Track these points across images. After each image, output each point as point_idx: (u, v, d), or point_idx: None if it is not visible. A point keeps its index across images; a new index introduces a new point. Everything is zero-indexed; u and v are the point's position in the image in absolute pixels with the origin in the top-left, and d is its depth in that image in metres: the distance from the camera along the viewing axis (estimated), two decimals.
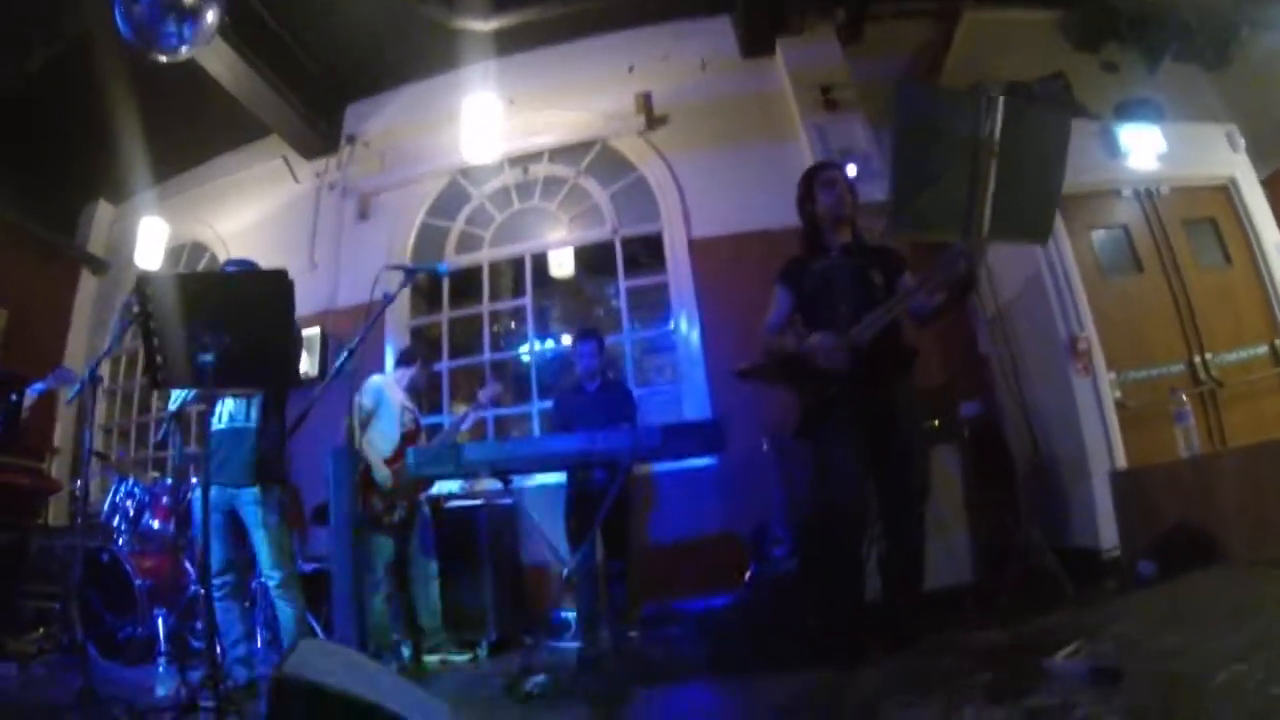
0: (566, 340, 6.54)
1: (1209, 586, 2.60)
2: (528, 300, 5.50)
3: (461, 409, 4.69)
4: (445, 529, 4.02)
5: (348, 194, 5.85)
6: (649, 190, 5.32)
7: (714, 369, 4.71)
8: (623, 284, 5.31)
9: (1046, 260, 4.00)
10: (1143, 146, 4.34)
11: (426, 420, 4.36)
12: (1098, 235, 4.33)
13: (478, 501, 4.21)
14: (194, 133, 6.02)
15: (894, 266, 2.70)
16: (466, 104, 5.24)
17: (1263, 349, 4.22)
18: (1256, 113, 4.78)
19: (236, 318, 2.41)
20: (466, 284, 5.68)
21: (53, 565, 4.42)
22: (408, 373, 4.07)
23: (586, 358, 3.86)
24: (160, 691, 3.09)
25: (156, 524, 4.19)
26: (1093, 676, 1.66)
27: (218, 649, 2.80)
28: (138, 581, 3.84)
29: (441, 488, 4.27)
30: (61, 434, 6.10)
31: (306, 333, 5.08)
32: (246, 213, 6.21)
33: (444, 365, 5.41)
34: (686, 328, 4.96)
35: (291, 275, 2.46)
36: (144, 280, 2.48)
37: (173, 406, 3.26)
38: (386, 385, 3.94)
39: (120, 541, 4.07)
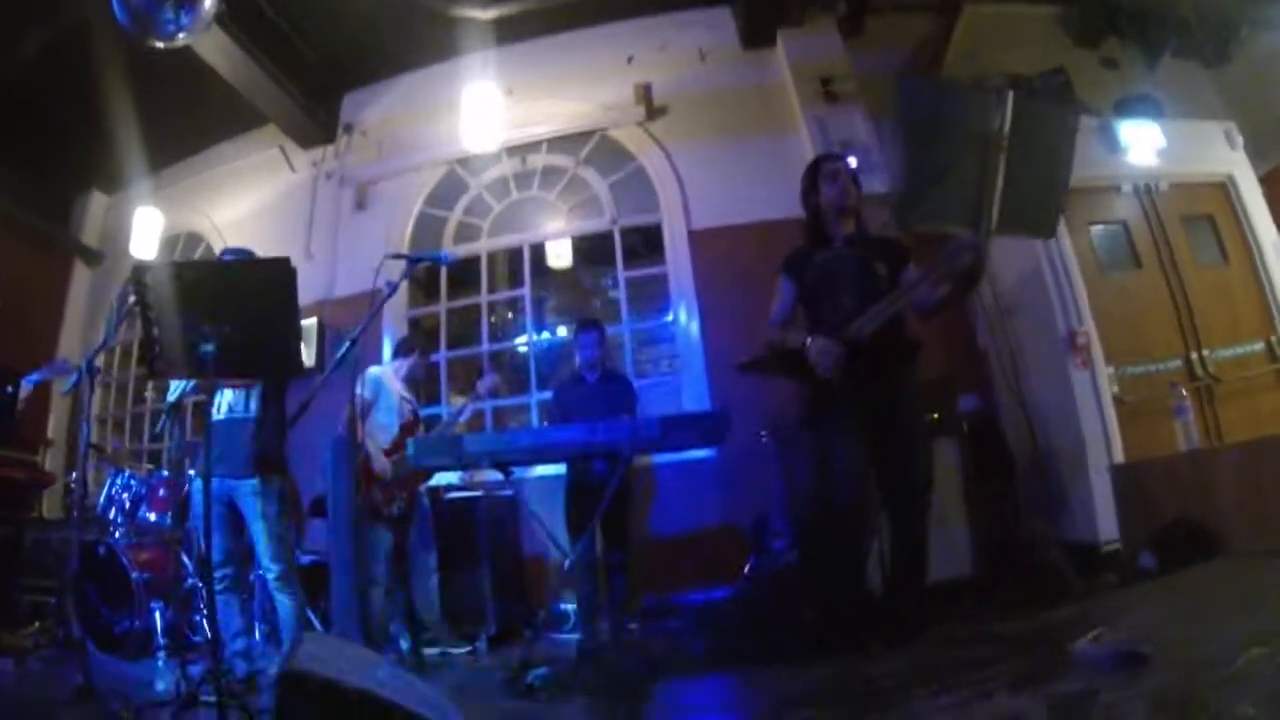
0: (563, 331, 6.53)
1: (1214, 577, 2.63)
2: (526, 291, 5.47)
3: (459, 401, 4.66)
4: (444, 521, 4.01)
5: (345, 183, 5.80)
6: (648, 181, 5.30)
7: (713, 360, 4.71)
8: (621, 275, 5.28)
9: (1046, 255, 4.02)
10: (1142, 143, 4.36)
11: (424, 412, 4.34)
12: (1097, 231, 4.35)
13: (477, 493, 4.20)
14: (189, 122, 5.96)
15: (898, 258, 2.69)
16: (466, 93, 5.21)
17: (1259, 345, 4.26)
18: (1255, 111, 4.80)
19: (237, 307, 2.37)
20: (464, 274, 5.64)
21: (48, 558, 4.40)
22: (406, 363, 4.04)
23: (588, 348, 3.83)
24: (160, 686, 3.06)
25: (153, 516, 4.15)
26: (1118, 660, 1.67)
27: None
28: (135, 575, 3.81)
29: (440, 479, 4.25)
30: (55, 426, 6.06)
31: (304, 323, 5.04)
32: (242, 202, 6.16)
33: (442, 356, 5.38)
34: (686, 319, 4.95)
35: None
36: (142, 269, 2.45)
37: (171, 397, 3.23)
38: (385, 376, 3.91)
39: (117, 534, 4.03)
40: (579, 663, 3.27)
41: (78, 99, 5.23)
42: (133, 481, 4.21)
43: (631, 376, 4.57)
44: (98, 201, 6.79)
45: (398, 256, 2.86)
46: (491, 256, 5.66)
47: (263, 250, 3.31)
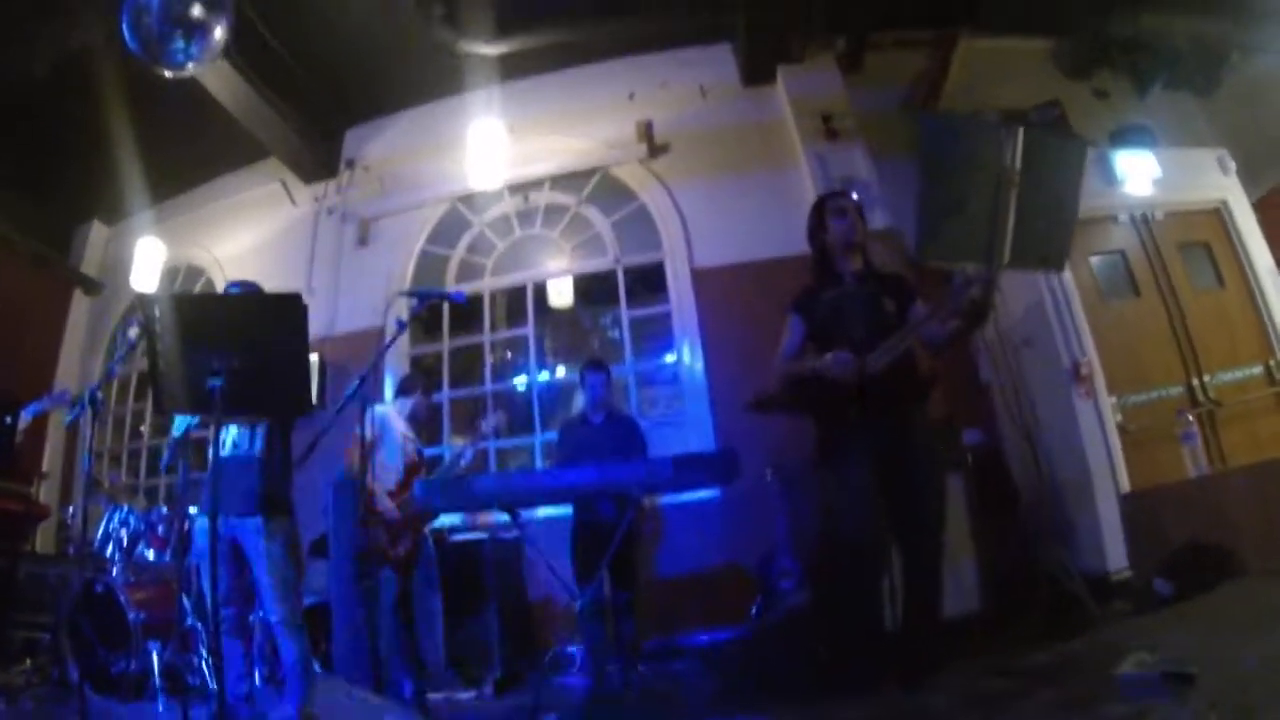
0: (562, 371, 6.51)
1: (1234, 598, 2.62)
2: (530, 330, 5.44)
3: (460, 442, 4.62)
4: (449, 563, 3.95)
5: (347, 219, 5.82)
6: (650, 219, 5.32)
7: (718, 399, 4.69)
8: (625, 314, 5.24)
9: (1047, 286, 4.05)
10: (1138, 173, 4.43)
11: (426, 452, 4.30)
12: (1096, 261, 4.40)
13: (482, 535, 4.16)
14: (191, 153, 5.99)
15: (906, 294, 2.71)
16: (471, 129, 5.25)
17: (1258, 369, 4.29)
18: (1246, 136, 4.89)
19: (246, 342, 2.35)
20: (464, 312, 5.60)
21: (43, 594, 4.31)
22: (409, 403, 4.01)
23: (596, 388, 3.83)
24: None
25: (152, 554, 4.09)
26: (1165, 681, 1.65)
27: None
28: (132, 614, 3.73)
29: (444, 521, 4.21)
30: (51, 457, 6.00)
31: None
32: (244, 236, 6.17)
33: (444, 395, 5.34)
34: (690, 358, 4.92)
35: None
36: (150, 301, 2.43)
37: (176, 433, 3.18)
38: (389, 415, 3.89)
39: (114, 572, 3.96)
40: (588, 706, 3.21)
41: (81, 127, 5.25)
42: (131, 517, 4.15)
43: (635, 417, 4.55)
44: (98, 232, 6.80)
45: (411, 294, 2.85)
46: (493, 295, 5.66)
47: (263, 285, 3.29)
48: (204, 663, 3.58)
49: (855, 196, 3.10)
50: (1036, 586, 3.27)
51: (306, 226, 5.96)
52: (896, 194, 4.66)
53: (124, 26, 3.68)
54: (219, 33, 3.85)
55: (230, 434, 2.98)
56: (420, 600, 3.75)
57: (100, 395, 3.81)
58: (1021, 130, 1.98)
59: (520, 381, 6.04)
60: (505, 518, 2.85)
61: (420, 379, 4.29)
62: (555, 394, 6.09)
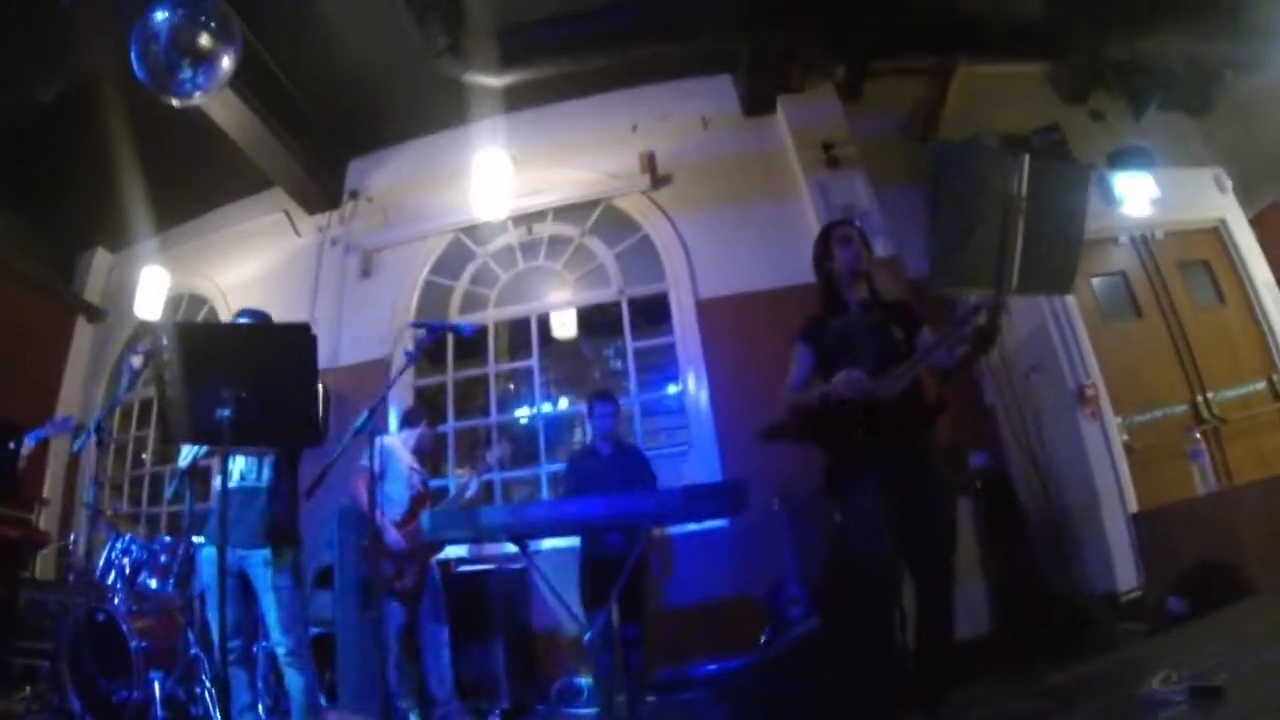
0: (565, 403, 6.51)
1: (1249, 614, 2.60)
2: (534, 362, 5.42)
3: (463, 473, 4.61)
4: (456, 594, 3.93)
5: (350, 250, 5.83)
6: (654, 250, 5.34)
7: (724, 429, 4.68)
8: (630, 345, 5.23)
9: (1050, 309, 4.07)
10: (1137, 194, 4.47)
11: (431, 484, 4.28)
12: (1098, 282, 4.43)
13: (488, 566, 4.15)
14: (196, 182, 6.04)
15: (912, 321, 2.72)
16: (476, 160, 5.28)
17: (1261, 384, 4.30)
18: (1241, 153, 4.95)
19: (256, 371, 2.35)
20: (467, 344, 5.50)
21: (43, 621, 4.27)
22: (414, 434, 4.03)
23: (604, 418, 3.83)
24: None
25: (154, 583, 4.06)
26: (1195, 696, 1.64)
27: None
28: (134, 643, 3.69)
29: (450, 552, 4.19)
30: (52, 484, 5.97)
31: None
32: (247, 266, 6.18)
33: (449, 427, 5.32)
34: (695, 388, 4.91)
35: None
36: (160, 329, 2.43)
37: (183, 463, 3.17)
38: (394, 446, 3.89)
39: (116, 600, 3.93)
40: None
41: (85, 154, 5.28)
42: (133, 546, 4.12)
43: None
44: (101, 259, 6.82)
45: (420, 325, 2.85)
46: (496, 326, 5.66)
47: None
48: (207, 693, 3.54)
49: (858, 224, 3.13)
50: (1049, 608, 3.24)
51: (310, 257, 5.97)
52: (897, 221, 4.72)
53: (132, 55, 3.71)
54: (226, 62, 3.88)
55: (238, 465, 2.98)
56: (427, 631, 3.72)
57: (105, 424, 3.83)
58: (1027, 157, 2.00)
59: (523, 413, 6.03)
60: (511, 548, 2.84)
61: (425, 411, 4.30)
62: (558, 425, 6.07)
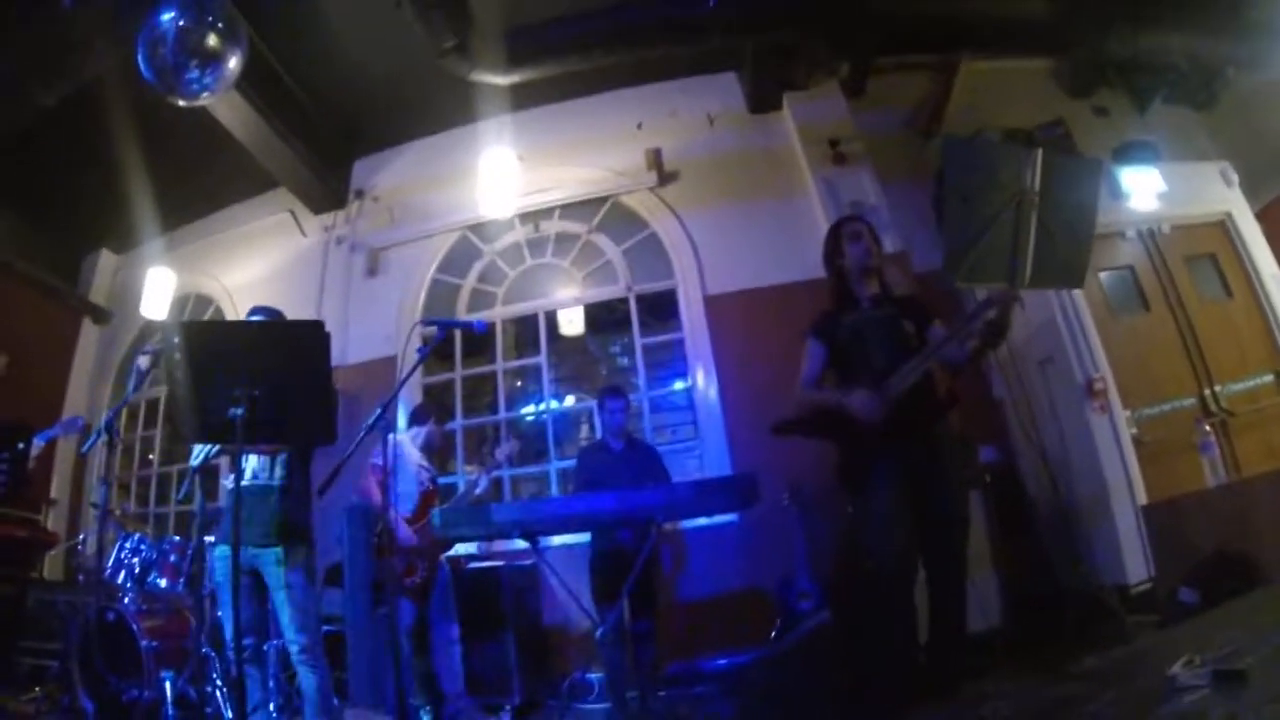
0: (570, 400, 6.52)
1: (1265, 603, 2.59)
2: (543, 359, 5.43)
3: (472, 471, 4.62)
4: (467, 590, 3.94)
5: (356, 249, 5.84)
6: (661, 246, 5.34)
7: (733, 424, 4.68)
8: (639, 341, 5.24)
9: (1059, 303, 4.07)
10: (1143, 188, 4.46)
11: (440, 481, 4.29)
12: (1105, 276, 4.42)
13: (498, 562, 4.16)
14: (200, 183, 6.03)
15: (923, 315, 2.73)
16: (484, 158, 5.28)
17: (1268, 377, 4.31)
18: (1246, 148, 4.93)
19: (268, 370, 2.34)
20: (473, 341, 5.59)
21: (53, 621, 4.29)
22: (422, 431, 4.04)
23: (615, 413, 3.84)
24: None
25: (164, 582, 4.07)
26: (1218, 680, 1.65)
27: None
28: (145, 642, 3.71)
29: (459, 549, 4.20)
30: (59, 485, 5.97)
31: None
32: (253, 266, 6.18)
33: (458, 424, 5.33)
34: (704, 384, 4.92)
35: None
36: (171, 328, 2.43)
37: (195, 461, 3.18)
38: (403, 444, 3.90)
39: (126, 600, 3.94)
40: None
41: (90, 155, 5.29)
42: (143, 546, 4.13)
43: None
44: (107, 260, 6.82)
45: (432, 322, 2.86)
46: (504, 324, 5.65)
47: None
48: (218, 691, 3.55)
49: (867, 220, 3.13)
50: (1061, 600, 3.25)
51: (316, 256, 5.97)
52: (904, 217, 4.72)
53: (139, 57, 3.72)
54: (233, 63, 3.89)
55: (250, 463, 2.98)
56: (437, 627, 3.74)
57: (116, 424, 3.83)
58: (1040, 151, 2.01)
59: (529, 410, 6.04)
60: (522, 545, 2.85)
61: (433, 408, 4.31)
62: (564, 422, 6.07)
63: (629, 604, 3.37)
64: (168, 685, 3.64)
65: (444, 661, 3.70)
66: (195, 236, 6.52)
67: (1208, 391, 4.22)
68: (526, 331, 5.71)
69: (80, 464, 6.02)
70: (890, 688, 2.51)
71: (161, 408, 6.05)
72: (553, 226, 5.63)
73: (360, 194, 6.04)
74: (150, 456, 6.22)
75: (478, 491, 4.00)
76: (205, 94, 3.94)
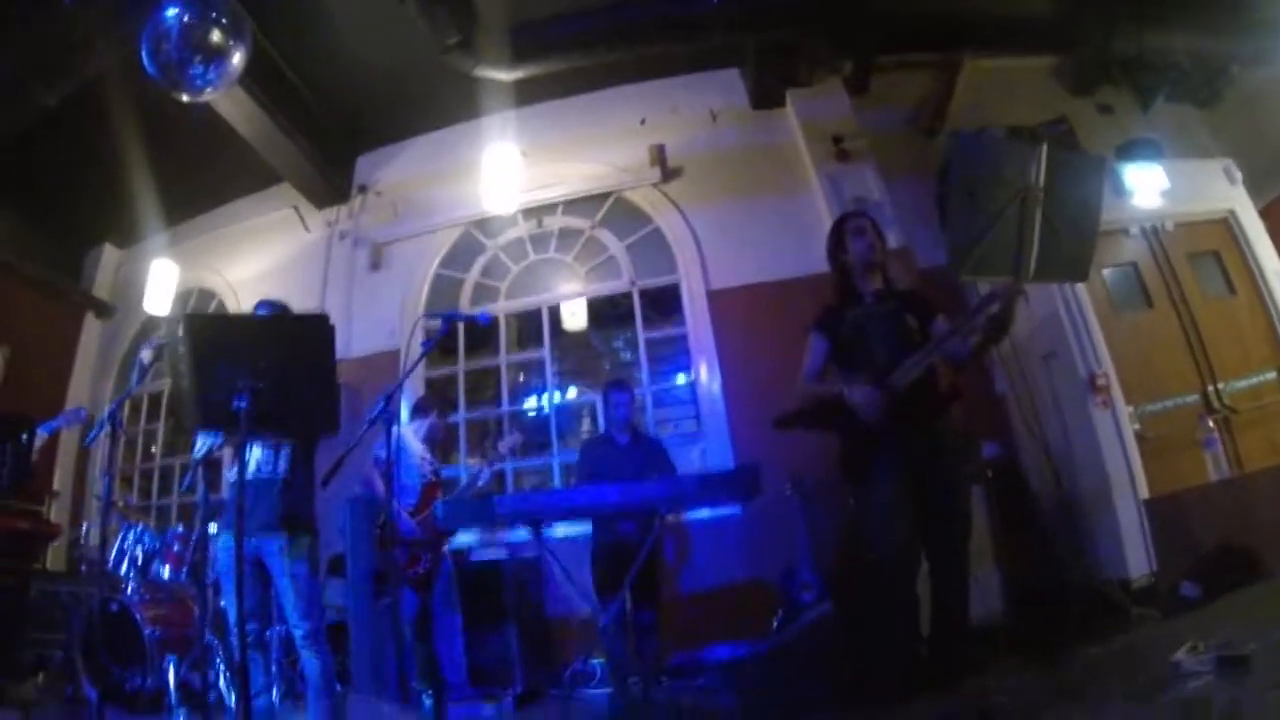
0: (573, 393, 6.54)
1: (1265, 597, 2.61)
2: (545, 353, 5.44)
3: (475, 463, 4.64)
4: (470, 581, 3.97)
5: (359, 244, 5.85)
6: (664, 242, 5.36)
7: (736, 418, 4.70)
8: (641, 336, 5.26)
9: (1062, 298, 4.07)
10: (1147, 185, 4.45)
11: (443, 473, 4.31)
12: (1109, 273, 4.43)
13: (501, 553, 4.17)
14: (204, 179, 6.05)
15: (926, 310, 2.73)
16: (487, 154, 5.29)
17: (1271, 374, 4.31)
18: (1250, 145, 4.93)
19: (273, 362, 2.36)
20: (476, 335, 5.62)
21: (55, 612, 4.31)
22: (425, 423, 4.05)
23: (620, 407, 3.85)
24: None
25: (167, 572, 4.09)
26: (1222, 665, 1.66)
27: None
28: (148, 631, 3.72)
29: (463, 540, 4.22)
30: (61, 477, 5.98)
31: None
32: (256, 261, 6.20)
33: (461, 417, 5.34)
34: (708, 378, 4.94)
35: None
36: (176, 320, 2.45)
37: (198, 453, 3.19)
38: (405, 436, 3.90)
39: (129, 589, 3.96)
40: None
41: (92, 151, 5.30)
42: (145, 536, 4.16)
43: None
44: (109, 255, 6.83)
45: (436, 315, 2.86)
46: (506, 318, 5.66)
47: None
48: (221, 678, 3.57)
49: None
50: (1064, 595, 3.26)
51: (319, 251, 5.99)
52: (907, 213, 4.73)
53: (143, 53, 3.72)
54: (237, 58, 3.90)
55: (254, 454, 2.99)
56: (440, 618, 3.75)
57: (119, 415, 3.85)
58: (1045, 147, 2.02)
59: (531, 404, 6.04)
60: (524, 536, 2.86)
61: (436, 400, 4.32)
62: (567, 415, 6.08)
63: (632, 595, 3.38)
64: (171, 672, 3.67)
65: (446, 650, 3.72)
66: (199, 231, 6.53)
67: (1211, 388, 4.22)
68: (530, 326, 5.73)
69: (83, 457, 6.04)
70: (892, 679, 2.52)
71: (164, 401, 6.06)
72: (556, 222, 5.64)
73: (363, 189, 6.05)
74: (153, 450, 6.24)
75: (480, 484, 4.01)
76: (209, 89, 3.95)
